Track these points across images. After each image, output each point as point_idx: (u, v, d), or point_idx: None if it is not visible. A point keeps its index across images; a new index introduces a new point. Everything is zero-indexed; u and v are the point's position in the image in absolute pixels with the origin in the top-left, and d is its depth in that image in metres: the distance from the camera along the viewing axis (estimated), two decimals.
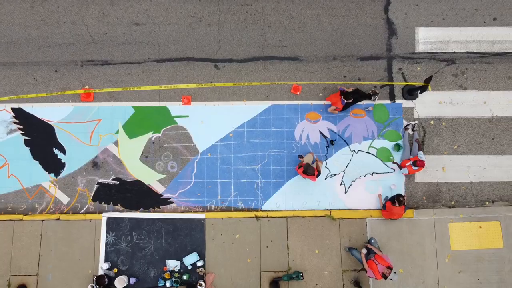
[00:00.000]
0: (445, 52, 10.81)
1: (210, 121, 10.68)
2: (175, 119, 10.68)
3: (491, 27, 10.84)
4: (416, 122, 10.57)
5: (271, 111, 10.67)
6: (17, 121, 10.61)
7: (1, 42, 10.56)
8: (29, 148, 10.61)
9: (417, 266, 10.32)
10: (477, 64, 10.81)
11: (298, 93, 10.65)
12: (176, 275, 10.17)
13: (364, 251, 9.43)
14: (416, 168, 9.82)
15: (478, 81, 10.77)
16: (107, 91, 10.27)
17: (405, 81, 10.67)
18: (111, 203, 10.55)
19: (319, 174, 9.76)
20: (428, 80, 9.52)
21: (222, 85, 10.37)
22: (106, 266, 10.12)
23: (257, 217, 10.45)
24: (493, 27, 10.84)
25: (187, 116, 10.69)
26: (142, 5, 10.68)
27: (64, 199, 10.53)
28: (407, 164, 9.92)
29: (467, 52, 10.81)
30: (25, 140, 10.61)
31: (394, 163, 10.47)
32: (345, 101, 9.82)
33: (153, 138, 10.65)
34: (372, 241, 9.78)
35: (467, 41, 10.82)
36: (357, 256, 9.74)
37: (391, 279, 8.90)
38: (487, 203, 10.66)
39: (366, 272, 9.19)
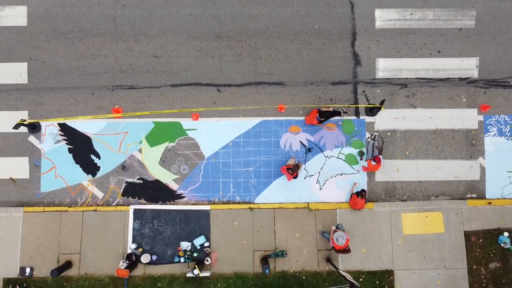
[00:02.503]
0: (399, 78, 12.65)
1: (213, 133, 12.45)
2: (186, 131, 12.48)
3: (436, 58, 12.69)
4: (377, 133, 12.55)
5: (262, 125, 12.53)
6: (62, 133, 12.52)
7: (49, 71, 12.62)
8: (71, 154, 12.47)
9: (376, 247, 12.14)
10: (425, 87, 12.66)
11: (283, 111, 12.57)
12: (188, 253, 11.98)
13: (333, 227, 11.54)
14: (375, 163, 11.75)
15: (425, 101, 12.66)
16: (136, 114, 12.29)
17: (368, 101, 12.64)
18: (137, 198, 12.39)
19: (296, 177, 11.66)
20: (382, 102, 11.60)
21: (224, 109, 12.46)
22: (133, 246, 11.99)
23: (250, 209, 12.17)
24: (438, 58, 12.69)
25: (196, 129, 12.47)
26: (159, 41, 12.67)
27: (100, 194, 12.45)
28: (368, 160, 11.93)
29: (417, 78, 12.66)
30: (68, 148, 12.47)
31: (361, 159, 12.38)
32: (319, 118, 11.75)
33: (169, 147, 12.48)
34: (339, 226, 11.91)
35: (417, 69, 12.67)
36: (327, 237, 11.83)
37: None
38: (432, 197, 12.50)
39: (329, 242, 11.42)
